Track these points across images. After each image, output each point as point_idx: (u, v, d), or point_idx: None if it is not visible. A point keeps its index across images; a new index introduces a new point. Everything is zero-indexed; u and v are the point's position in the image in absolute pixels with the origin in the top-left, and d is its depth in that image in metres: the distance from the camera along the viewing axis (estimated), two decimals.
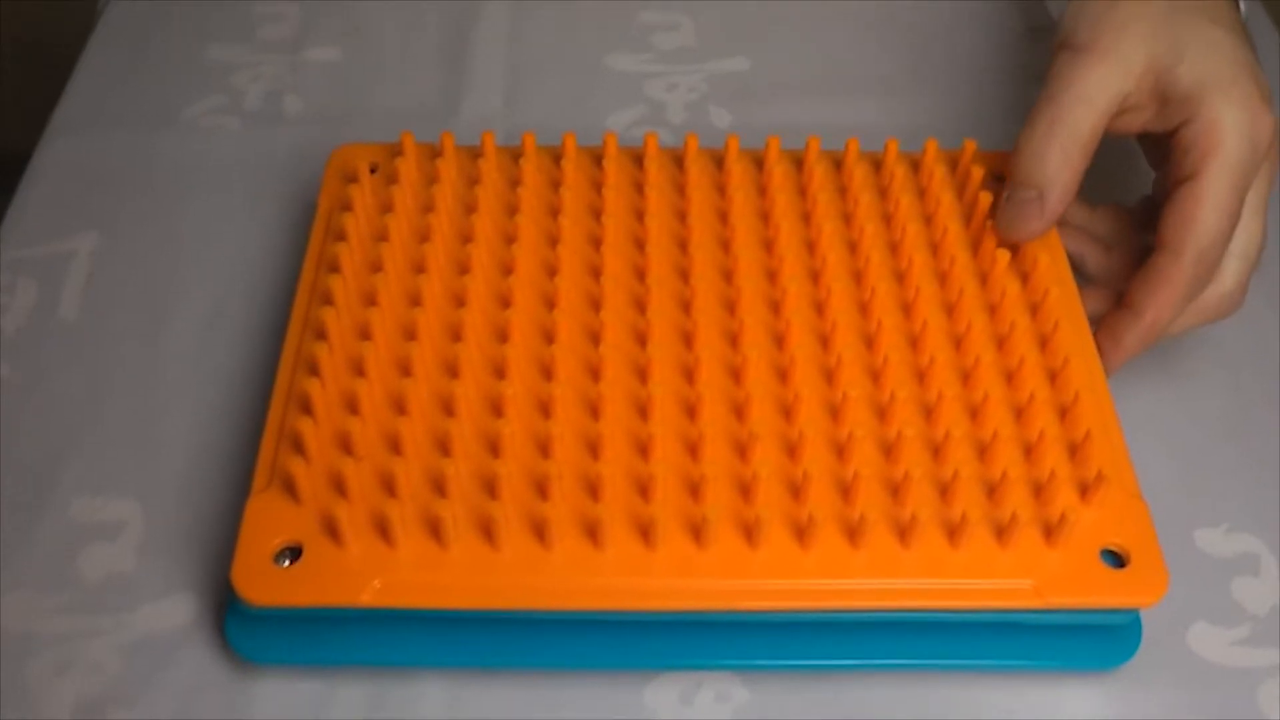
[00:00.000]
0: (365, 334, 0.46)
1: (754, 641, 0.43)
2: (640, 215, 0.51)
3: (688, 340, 0.47)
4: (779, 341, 0.47)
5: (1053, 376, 0.46)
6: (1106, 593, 0.41)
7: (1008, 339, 0.47)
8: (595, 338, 0.46)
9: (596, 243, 0.50)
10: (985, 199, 0.50)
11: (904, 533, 0.41)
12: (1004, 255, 0.48)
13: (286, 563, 0.41)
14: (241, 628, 0.43)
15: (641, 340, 0.46)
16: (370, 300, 0.47)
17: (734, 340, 0.47)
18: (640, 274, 0.49)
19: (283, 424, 0.44)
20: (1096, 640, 0.43)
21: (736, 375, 0.45)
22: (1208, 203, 0.45)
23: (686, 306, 0.48)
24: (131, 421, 0.50)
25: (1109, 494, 0.42)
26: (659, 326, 0.47)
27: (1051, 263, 0.49)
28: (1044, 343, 0.47)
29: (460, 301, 0.47)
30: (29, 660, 0.44)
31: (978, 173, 0.51)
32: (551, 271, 0.49)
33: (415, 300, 0.47)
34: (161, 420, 0.50)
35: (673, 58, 0.66)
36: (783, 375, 0.46)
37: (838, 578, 0.41)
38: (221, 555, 0.45)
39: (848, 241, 0.51)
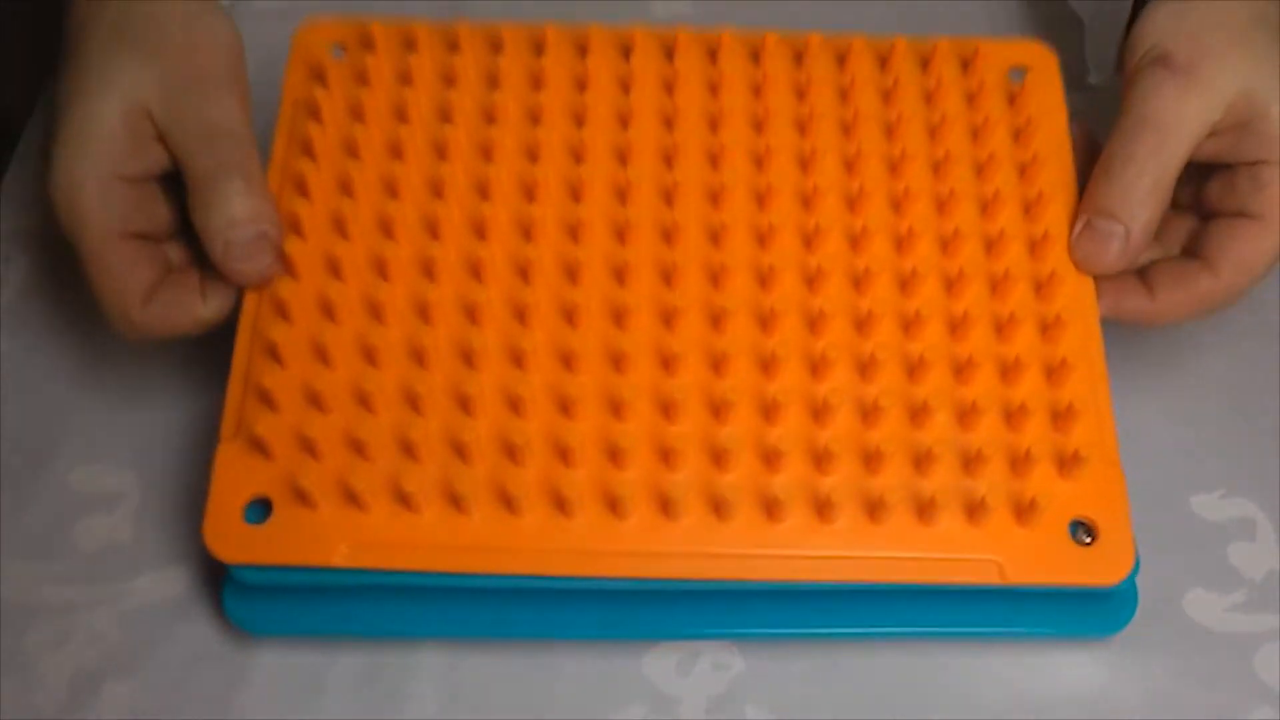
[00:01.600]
0: (334, 270, 0.44)
1: (752, 611, 0.43)
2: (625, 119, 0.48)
3: (666, 277, 0.44)
4: (763, 281, 0.45)
5: (1045, 330, 0.44)
6: (1071, 572, 0.41)
7: (1001, 284, 0.44)
8: (572, 273, 0.44)
9: (577, 155, 0.47)
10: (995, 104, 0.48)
11: (875, 509, 0.41)
12: (1013, 199, 0.46)
13: (258, 518, 0.40)
14: (239, 599, 0.43)
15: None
16: (339, 228, 0.45)
17: (717, 279, 0.44)
18: (621, 193, 0.46)
19: (249, 369, 0.43)
20: (1093, 607, 0.43)
21: (716, 321, 0.44)
22: (1270, 248, 0.44)
23: (668, 235, 0.45)
24: (128, 392, 0.50)
25: (1088, 466, 0.41)
26: (636, 287, 0.44)
27: (1062, 210, 0.46)
28: (1040, 289, 0.45)
29: (433, 232, 0.45)
30: (27, 631, 0.44)
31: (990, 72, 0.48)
32: (528, 228, 0.45)
33: (387, 229, 0.45)
34: (158, 390, 0.50)
35: None
36: (764, 324, 0.44)
37: (806, 549, 0.41)
38: None
39: (844, 159, 0.47)
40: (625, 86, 0.48)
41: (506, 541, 0.40)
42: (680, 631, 0.43)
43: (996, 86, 0.49)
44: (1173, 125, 0.43)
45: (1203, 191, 0.46)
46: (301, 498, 0.40)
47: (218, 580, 0.44)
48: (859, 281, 0.45)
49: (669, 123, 0.48)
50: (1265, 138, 0.43)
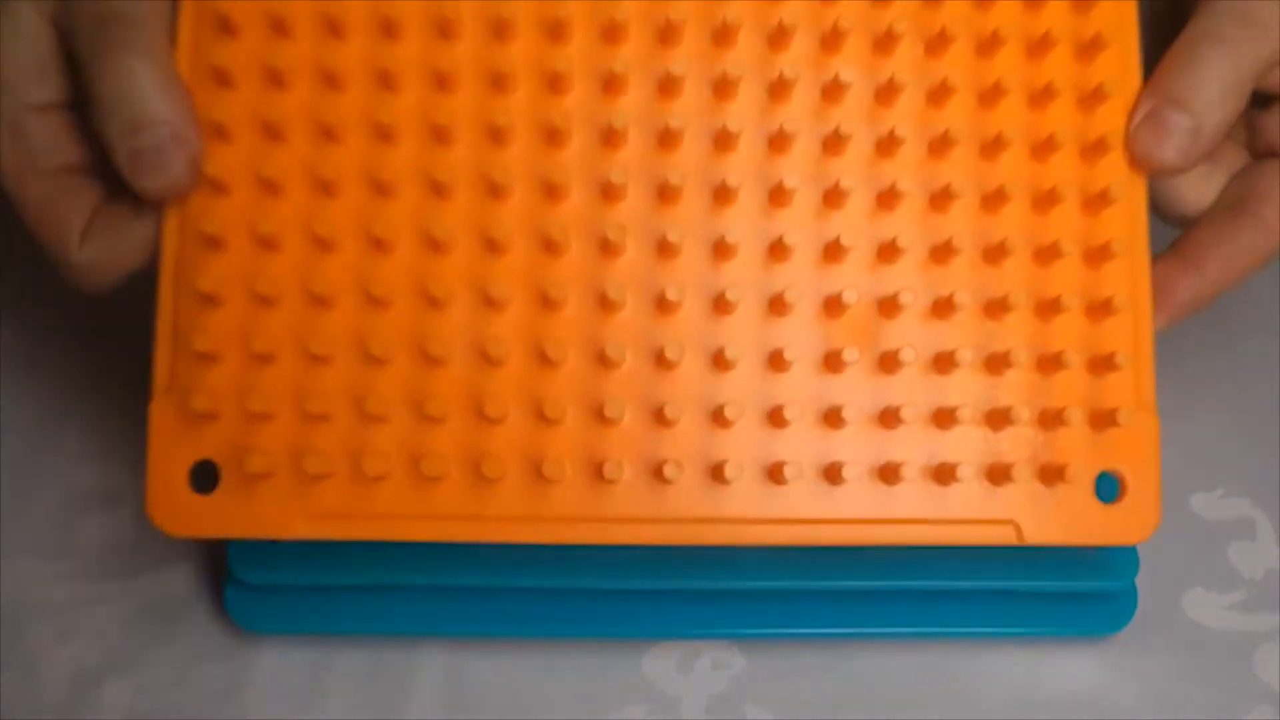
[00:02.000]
0: (266, 183, 0.38)
1: (752, 610, 0.43)
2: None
3: (660, 194, 0.39)
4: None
5: (1089, 263, 0.40)
6: (1093, 532, 0.39)
7: (1044, 204, 0.40)
8: (553, 190, 0.39)
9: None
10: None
11: (888, 472, 0.38)
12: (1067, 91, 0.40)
13: (204, 487, 0.37)
14: (240, 597, 0.43)
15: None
16: (270, 129, 0.38)
17: (717, 202, 0.39)
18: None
19: (176, 309, 0.38)
20: (1093, 606, 0.43)
21: (715, 257, 0.39)
22: None
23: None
24: (132, 388, 0.50)
25: (1122, 415, 0.38)
26: (627, 207, 0.39)
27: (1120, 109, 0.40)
28: (1088, 210, 0.40)
29: (385, 135, 0.38)
30: (29, 628, 0.44)
31: None
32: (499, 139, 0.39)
33: (328, 132, 0.38)
34: None
35: None
36: (771, 259, 0.39)
37: (812, 513, 0.38)
38: None
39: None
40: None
41: (479, 509, 0.37)
42: (681, 630, 0.43)
43: None
44: (1267, 22, 0.39)
45: (1257, 128, 0.43)
46: (250, 464, 0.37)
47: (220, 578, 0.44)
48: (880, 205, 0.39)
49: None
50: None
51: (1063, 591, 0.43)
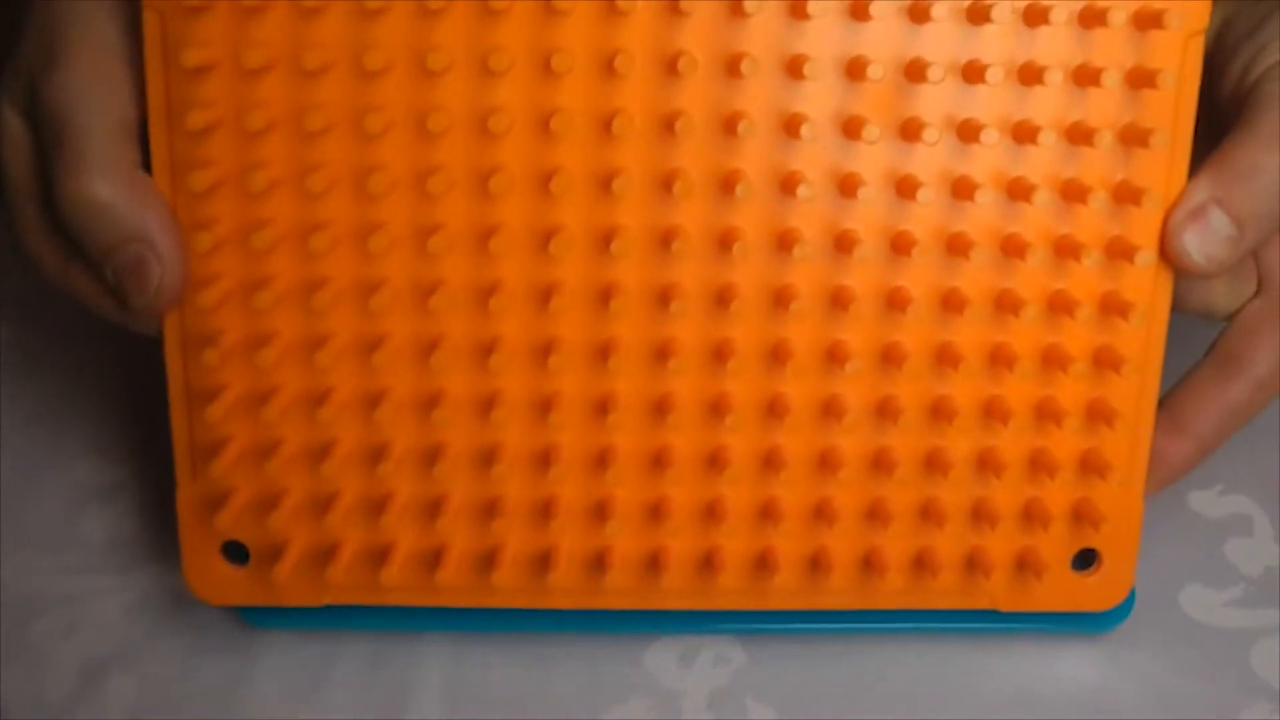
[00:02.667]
0: (256, 276, 0.38)
1: None
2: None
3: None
4: (775, 359, 0.39)
5: (1096, 375, 0.39)
6: (1066, 599, 0.41)
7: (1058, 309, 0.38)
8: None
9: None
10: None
11: (873, 567, 0.40)
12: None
13: (237, 559, 0.41)
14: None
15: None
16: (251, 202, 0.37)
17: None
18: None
19: (189, 408, 0.39)
20: None
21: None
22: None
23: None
24: (134, 382, 0.50)
25: (1107, 498, 0.40)
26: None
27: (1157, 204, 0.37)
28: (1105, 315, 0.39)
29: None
30: (32, 621, 0.44)
31: None
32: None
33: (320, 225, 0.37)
34: (164, 381, 0.50)
35: None
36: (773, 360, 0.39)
37: (799, 602, 0.42)
38: None
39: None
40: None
41: (487, 584, 0.40)
42: (682, 625, 0.43)
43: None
44: None
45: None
46: (275, 542, 0.40)
47: None
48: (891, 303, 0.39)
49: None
50: None
51: None
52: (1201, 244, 0.37)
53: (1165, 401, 0.41)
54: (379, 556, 0.40)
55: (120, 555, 0.46)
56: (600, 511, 0.40)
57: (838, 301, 0.38)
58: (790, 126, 0.37)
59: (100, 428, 0.48)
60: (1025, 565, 0.40)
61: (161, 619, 0.44)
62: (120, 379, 0.49)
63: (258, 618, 0.43)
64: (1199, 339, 0.41)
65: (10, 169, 0.38)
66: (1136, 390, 0.39)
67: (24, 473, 0.47)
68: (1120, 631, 0.44)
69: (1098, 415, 0.39)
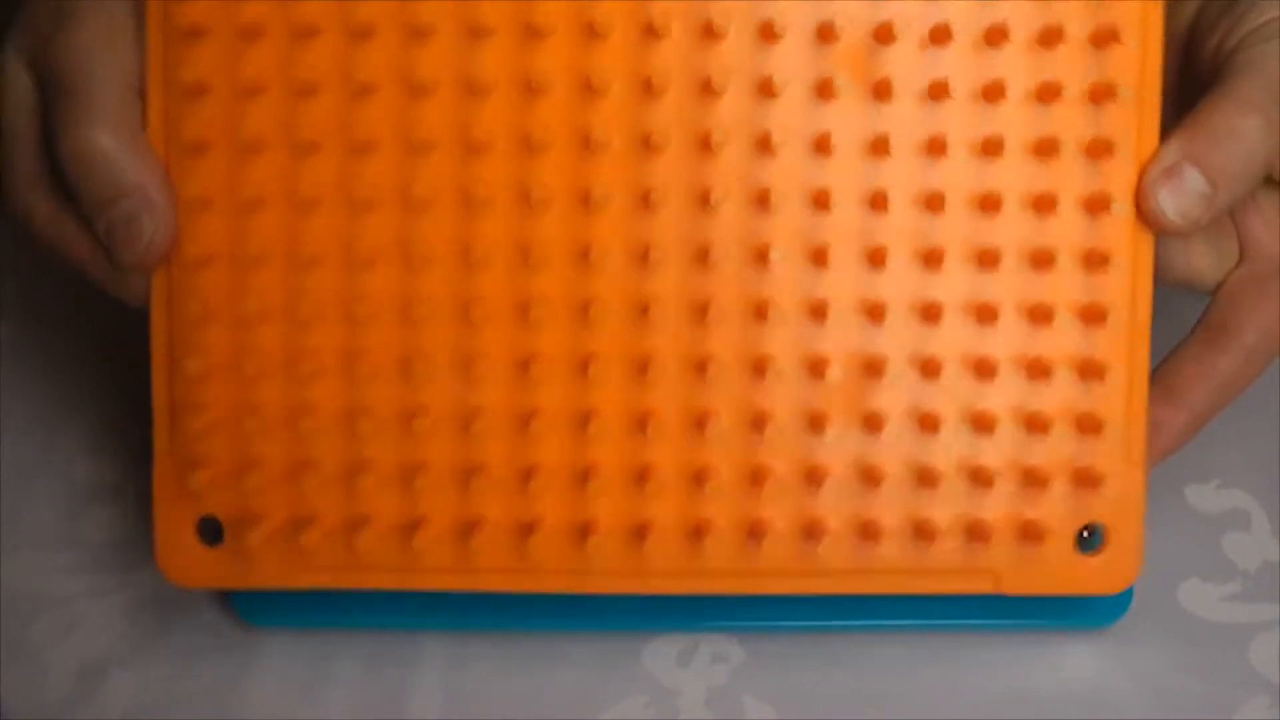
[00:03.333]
0: (253, 259, 0.38)
1: (752, 603, 0.43)
2: None
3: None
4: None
5: (1085, 322, 0.39)
6: (1072, 582, 0.40)
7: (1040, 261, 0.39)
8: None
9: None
10: None
11: (868, 533, 0.39)
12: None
13: (211, 539, 0.39)
14: (244, 591, 0.43)
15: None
16: (256, 200, 0.38)
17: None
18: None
19: (171, 380, 0.39)
20: (1088, 598, 0.43)
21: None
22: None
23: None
24: (134, 381, 0.50)
25: (1109, 471, 0.39)
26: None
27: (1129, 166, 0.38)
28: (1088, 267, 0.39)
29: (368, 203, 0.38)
30: (33, 621, 0.44)
31: None
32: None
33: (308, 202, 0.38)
34: None
35: None
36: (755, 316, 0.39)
37: (793, 571, 0.39)
38: None
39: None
40: None
41: (467, 563, 0.39)
42: (681, 623, 0.44)
43: None
44: None
45: (1242, 219, 0.41)
46: (252, 520, 0.39)
47: None
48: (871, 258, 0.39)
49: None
50: None
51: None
52: (1175, 201, 0.38)
53: (1157, 373, 0.41)
54: (357, 529, 0.39)
55: (120, 555, 0.46)
56: (583, 479, 0.39)
57: (818, 258, 0.39)
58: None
59: (100, 428, 0.48)
60: (1027, 536, 0.39)
61: (161, 619, 0.44)
62: (120, 380, 0.49)
63: (257, 617, 0.43)
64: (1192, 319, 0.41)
65: (10, 118, 0.38)
66: (1125, 346, 0.39)
67: (24, 473, 0.47)
68: (1118, 627, 0.44)
69: (1088, 371, 0.39)
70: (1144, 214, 0.38)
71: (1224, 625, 0.45)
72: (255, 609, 0.43)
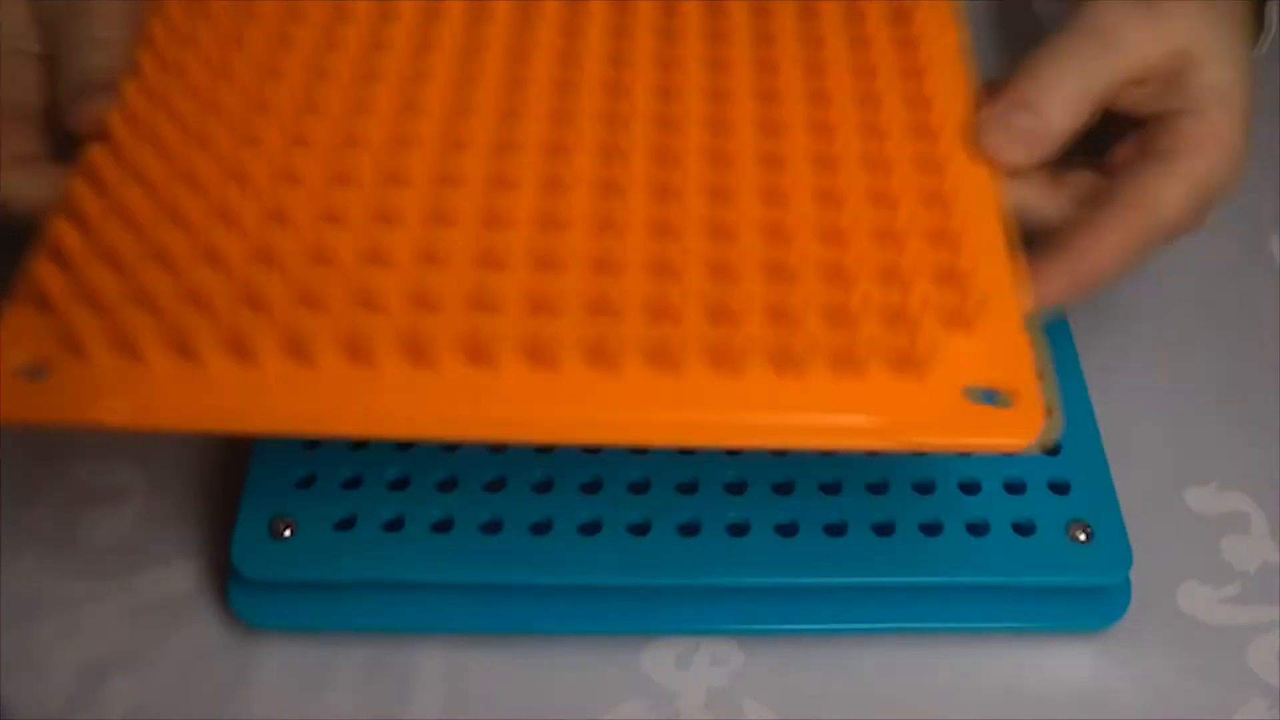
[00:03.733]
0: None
1: (751, 606, 0.43)
2: None
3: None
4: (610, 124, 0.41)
5: (933, 178, 0.40)
6: (971, 431, 0.35)
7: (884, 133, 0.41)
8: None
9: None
10: None
11: (724, 360, 0.35)
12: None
13: (34, 377, 0.35)
14: (244, 594, 0.43)
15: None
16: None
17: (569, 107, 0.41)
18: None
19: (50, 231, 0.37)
20: (1086, 601, 0.44)
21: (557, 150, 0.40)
22: (1177, 184, 0.41)
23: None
24: None
25: (982, 325, 0.36)
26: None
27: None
28: (924, 137, 0.41)
29: None
30: (33, 625, 0.44)
31: None
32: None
33: None
34: None
35: None
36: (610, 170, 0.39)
37: (648, 410, 0.35)
38: (225, 522, 0.46)
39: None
40: None
41: (307, 401, 0.34)
42: (680, 626, 0.44)
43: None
44: (1119, 42, 0.42)
45: (1109, 153, 0.44)
46: (76, 351, 0.35)
47: (224, 575, 0.45)
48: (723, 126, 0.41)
49: None
50: (1190, 89, 0.42)
51: (1057, 586, 0.43)
52: (1005, 138, 0.41)
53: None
54: (194, 372, 0.34)
55: (121, 559, 0.46)
56: (480, 301, 0.35)
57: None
58: None
59: (102, 433, 0.48)
60: (905, 374, 0.35)
61: (162, 622, 0.44)
62: None
63: (257, 618, 0.43)
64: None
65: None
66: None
67: (25, 475, 0.47)
68: (1117, 629, 0.44)
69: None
70: (983, 153, 0.41)
71: (1222, 627, 0.45)
72: (256, 612, 0.43)
